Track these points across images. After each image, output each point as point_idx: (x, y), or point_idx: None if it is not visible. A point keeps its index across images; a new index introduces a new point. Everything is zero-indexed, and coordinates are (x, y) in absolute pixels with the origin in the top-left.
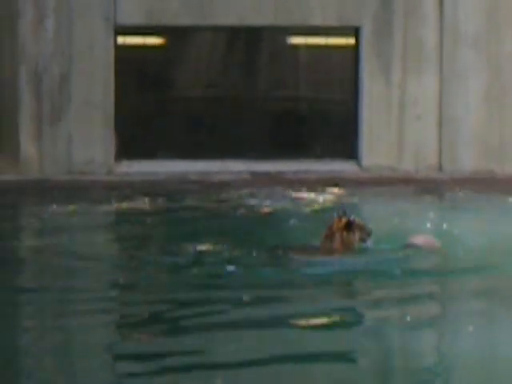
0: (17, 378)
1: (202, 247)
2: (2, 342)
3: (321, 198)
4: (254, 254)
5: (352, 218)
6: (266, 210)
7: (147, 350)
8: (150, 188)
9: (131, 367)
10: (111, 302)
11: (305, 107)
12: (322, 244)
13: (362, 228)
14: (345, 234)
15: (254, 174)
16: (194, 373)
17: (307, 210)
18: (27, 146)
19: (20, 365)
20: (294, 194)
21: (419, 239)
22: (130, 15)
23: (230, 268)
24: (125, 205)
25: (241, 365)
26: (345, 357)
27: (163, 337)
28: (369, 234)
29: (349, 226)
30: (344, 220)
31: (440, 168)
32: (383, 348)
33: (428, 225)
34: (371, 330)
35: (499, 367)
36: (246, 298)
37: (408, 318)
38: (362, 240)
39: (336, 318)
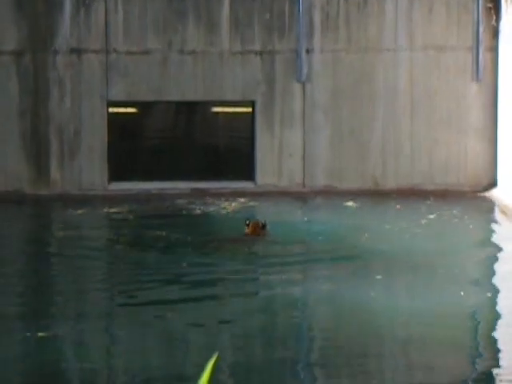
0: None
1: (161, 234)
2: None
3: (232, 204)
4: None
5: (263, 220)
6: (199, 212)
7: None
8: (129, 199)
9: None
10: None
11: (222, 148)
12: (249, 234)
13: (264, 225)
14: (262, 230)
15: (192, 189)
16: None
17: (224, 211)
18: (55, 173)
19: None
20: (217, 202)
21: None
22: (117, 95)
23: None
24: (113, 209)
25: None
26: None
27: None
28: (265, 226)
29: (264, 226)
30: (261, 222)
31: (304, 185)
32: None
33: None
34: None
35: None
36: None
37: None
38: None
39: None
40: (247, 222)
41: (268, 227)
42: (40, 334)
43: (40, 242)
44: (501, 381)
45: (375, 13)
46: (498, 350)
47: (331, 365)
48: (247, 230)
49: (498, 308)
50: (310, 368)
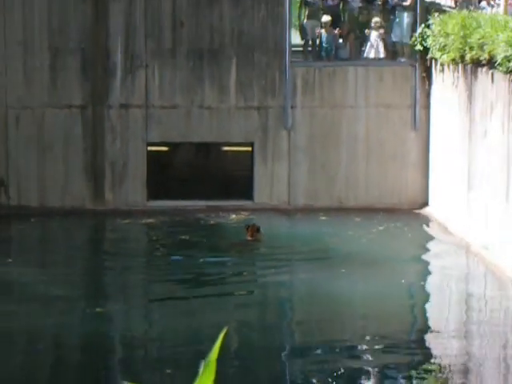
0: None
1: (185, 238)
2: None
3: (237, 216)
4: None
5: (258, 225)
6: (213, 222)
7: None
8: (162, 212)
9: None
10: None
11: (229, 176)
12: (248, 237)
13: (258, 229)
14: (256, 233)
15: (207, 206)
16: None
17: (231, 221)
18: (108, 194)
19: None
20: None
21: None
22: (153, 138)
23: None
24: (150, 220)
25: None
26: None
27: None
28: (259, 230)
29: (258, 229)
30: (256, 226)
31: (289, 203)
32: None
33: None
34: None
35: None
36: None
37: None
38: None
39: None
40: (247, 227)
41: (262, 231)
42: (98, 310)
43: (96, 243)
44: (430, 332)
45: (341, 80)
46: (426, 317)
47: (310, 325)
48: (248, 234)
49: (428, 289)
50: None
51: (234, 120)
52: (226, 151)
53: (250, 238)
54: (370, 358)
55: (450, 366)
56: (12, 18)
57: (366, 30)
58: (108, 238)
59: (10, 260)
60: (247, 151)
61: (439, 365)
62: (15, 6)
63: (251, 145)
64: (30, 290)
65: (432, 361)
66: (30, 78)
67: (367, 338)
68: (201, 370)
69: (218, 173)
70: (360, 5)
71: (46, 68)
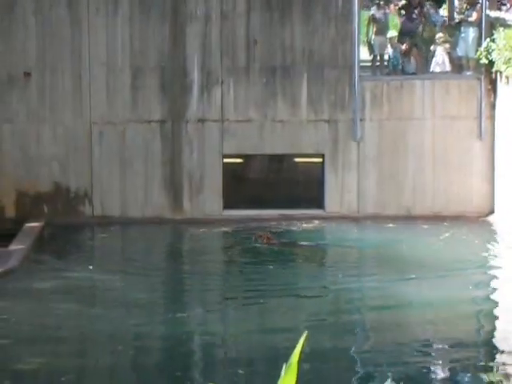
0: None
1: (256, 244)
2: None
3: (310, 225)
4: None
5: (269, 233)
6: (285, 230)
7: None
8: (237, 221)
9: None
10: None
11: (301, 186)
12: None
13: (269, 236)
14: (270, 239)
15: (280, 215)
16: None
17: (303, 229)
18: (186, 204)
19: None
20: (297, 223)
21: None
22: (229, 150)
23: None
24: (225, 228)
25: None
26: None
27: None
28: (269, 238)
29: (269, 237)
30: (267, 233)
31: (358, 212)
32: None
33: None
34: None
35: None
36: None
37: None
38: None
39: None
40: (259, 236)
41: (274, 236)
42: (179, 313)
43: (174, 250)
44: (498, 337)
45: (408, 92)
46: (494, 322)
47: (380, 328)
48: (264, 241)
49: (495, 295)
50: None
51: (305, 132)
52: (298, 162)
53: (265, 243)
54: (439, 361)
55: None
56: (96, 40)
57: (432, 46)
58: (185, 246)
59: (90, 267)
60: (318, 162)
61: (507, 369)
62: (99, 28)
63: (322, 156)
64: (112, 295)
65: (501, 364)
66: (113, 95)
67: (435, 341)
68: (282, 372)
69: (290, 183)
70: (443, 19)
71: (127, 86)
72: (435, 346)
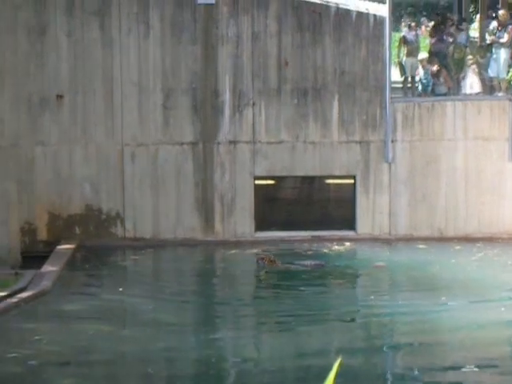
0: None
1: (289, 266)
2: None
3: (341, 247)
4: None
5: (272, 257)
6: (317, 251)
7: None
8: (269, 243)
9: None
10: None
11: (332, 208)
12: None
13: (272, 258)
14: (273, 262)
15: (312, 236)
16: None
17: (334, 251)
18: (218, 226)
19: None
20: (329, 245)
21: (378, 263)
22: (260, 172)
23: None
24: (256, 250)
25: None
26: None
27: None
28: (275, 261)
29: (274, 260)
30: (270, 257)
31: (390, 233)
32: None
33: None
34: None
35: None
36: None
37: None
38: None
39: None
40: (261, 259)
41: (277, 259)
42: (210, 336)
43: (206, 272)
44: None
45: (439, 114)
46: None
47: (412, 352)
48: (267, 264)
49: None
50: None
51: (336, 154)
52: (329, 184)
53: (269, 266)
54: None
55: None
56: (128, 61)
57: (463, 67)
58: (217, 268)
59: (120, 289)
60: (349, 184)
61: None
62: (131, 49)
63: (353, 177)
64: (142, 318)
65: None
66: (145, 116)
67: (467, 366)
68: None
69: (322, 204)
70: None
71: (159, 107)
72: (467, 370)
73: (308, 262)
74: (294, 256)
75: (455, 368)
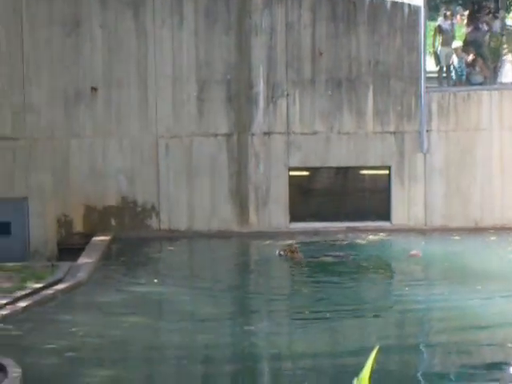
0: None
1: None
2: None
3: (376, 237)
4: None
5: (294, 248)
6: (351, 242)
7: None
8: (303, 234)
9: None
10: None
11: (367, 199)
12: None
13: (293, 249)
14: (296, 253)
15: (347, 227)
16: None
17: (369, 242)
18: (253, 217)
19: None
20: (364, 236)
21: (413, 251)
22: (294, 163)
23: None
24: (290, 241)
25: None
26: None
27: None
28: (296, 253)
29: (296, 249)
30: (293, 249)
31: (425, 224)
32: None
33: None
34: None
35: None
36: None
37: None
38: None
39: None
40: (283, 250)
41: (298, 251)
42: (246, 328)
43: (240, 263)
44: None
45: (475, 103)
46: None
47: (446, 344)
48: (288, 255)
49: None
50: None
51: (371, 144)
52: (364, 175)
53: (291, 257)
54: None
55: None
56: (162, 53)
57: (499, 56)
58: (251, 259)
59: (155, 280)
60: (384, 175)
61: None
62: (164, 40)
63: (388, 168)
64: (178, 309)
65: None
66: (179, 108)
67: (505, 363)
68: None
69: (356, 195)
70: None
71: (193, 99)
72: (505, 368)
73: (331, 254)
74: (327, 247)
75: (495, 365)
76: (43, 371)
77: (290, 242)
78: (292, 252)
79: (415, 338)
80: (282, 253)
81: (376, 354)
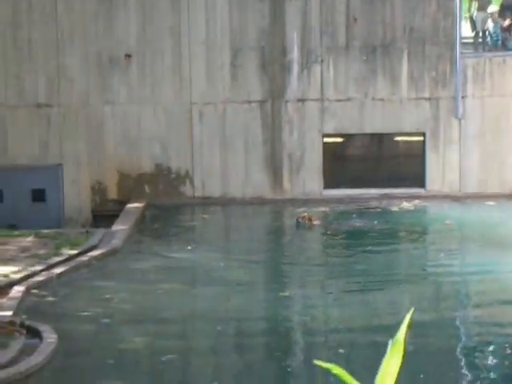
0: None
1: (355, 224)
2: None
3: (410, 204)
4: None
5: (312, 216)
6: (385, 209)
7: None
8: (337, 201)
9: None
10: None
11: (402, 165)
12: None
13: (311, 217)
14: (311, 221)
15: (380, 194)
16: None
17: (403, 209)
18: (286, 184)
19: None
20: (398, 203)
21: (448, 221)
22: (328, 129)
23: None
24: (324, 208)
25: None
26: None
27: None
28: (311, 219)
29: (311, 218)
30: (309, 216)
31: (460, 190)
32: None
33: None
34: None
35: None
36: None
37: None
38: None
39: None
40: (301, 218)
41: (316, 218)
42: (280, 294)
43: (274, 230)
44: None
45: (511, 69)
46: None
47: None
48: (307, 222)
49: None
50: None
51: (405, 111)
52: (398, 141)
53: (308, 224)
54: None
55: None
56: (195, 19)
57: None
58: (285, 226)
59: (189, 247)
60: (419, 141)
61: None
62: (197, 7)
63: (423, 134)
64: (212, 275)
65: None
66: (213, 75)
67: None
68: (389, 349)
69: (391, 162)
70: None
71: (227, 66)
72: None
73: (352, 222)
74: (361, 214)
75: None
76: (80, 337)
77: (330, 210)
78: (310, 219)
79: (452, 311)
80: (300, 220)
81: (411, 316)
